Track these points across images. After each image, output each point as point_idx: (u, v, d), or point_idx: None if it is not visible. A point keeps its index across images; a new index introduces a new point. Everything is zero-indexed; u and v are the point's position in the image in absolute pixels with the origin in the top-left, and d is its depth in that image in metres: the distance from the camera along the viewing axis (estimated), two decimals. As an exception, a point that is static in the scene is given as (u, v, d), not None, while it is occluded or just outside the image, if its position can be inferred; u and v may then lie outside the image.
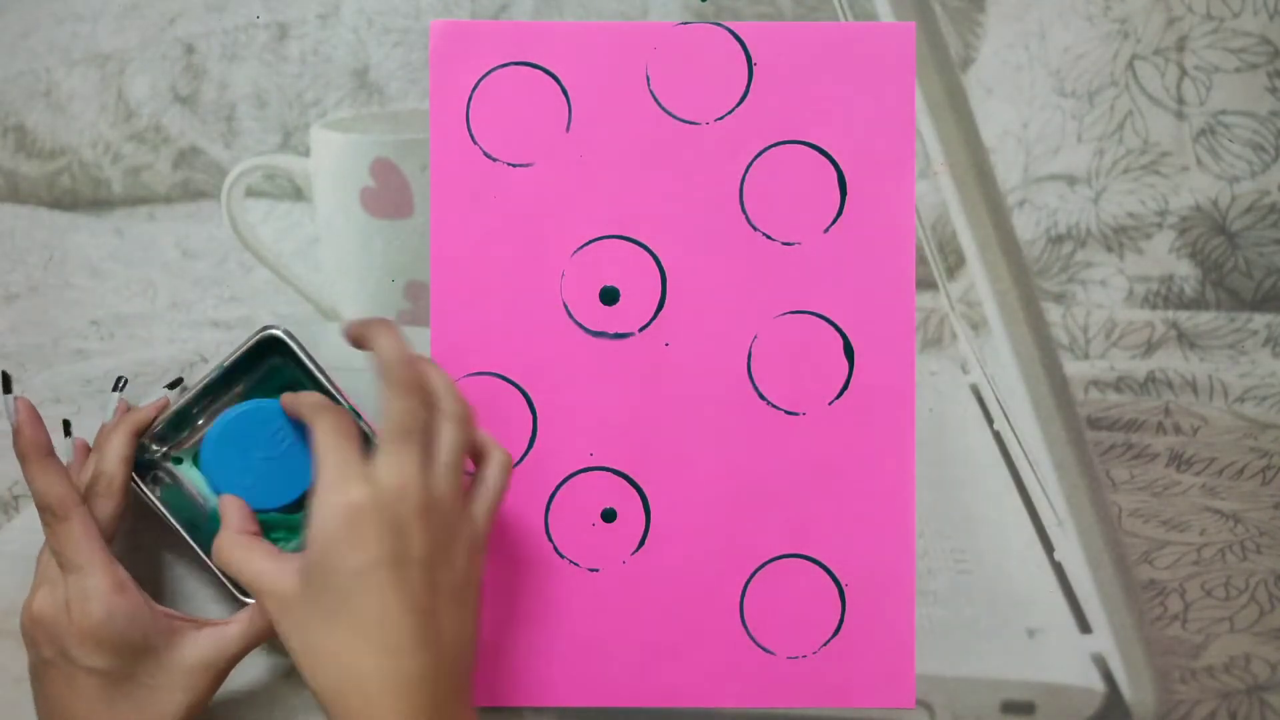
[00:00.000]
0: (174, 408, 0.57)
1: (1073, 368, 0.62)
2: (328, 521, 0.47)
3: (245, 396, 0.57)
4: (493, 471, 0.53)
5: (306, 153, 0.62)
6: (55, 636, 0.52)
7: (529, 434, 0.61)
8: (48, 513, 0.52)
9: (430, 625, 0.47)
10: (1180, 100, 0.62)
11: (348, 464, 0.48)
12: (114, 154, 0.63)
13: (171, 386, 0.59)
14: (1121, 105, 0.62)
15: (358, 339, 0.53)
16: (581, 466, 0.61)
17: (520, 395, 0.61)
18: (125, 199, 0.63)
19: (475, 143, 0.61)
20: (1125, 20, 0.62)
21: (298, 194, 0.62)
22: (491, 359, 0.61)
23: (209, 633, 0.54)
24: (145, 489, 0.56)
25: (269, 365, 0.57)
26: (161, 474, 0.58)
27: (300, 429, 0.56)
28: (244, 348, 0.56)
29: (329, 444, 0.49)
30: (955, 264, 0.62)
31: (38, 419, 0.53)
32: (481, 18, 0.62)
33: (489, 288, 0.61)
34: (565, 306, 0.61)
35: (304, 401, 0.53)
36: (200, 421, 0.58)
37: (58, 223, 0.62)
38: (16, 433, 0.53)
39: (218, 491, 0.57)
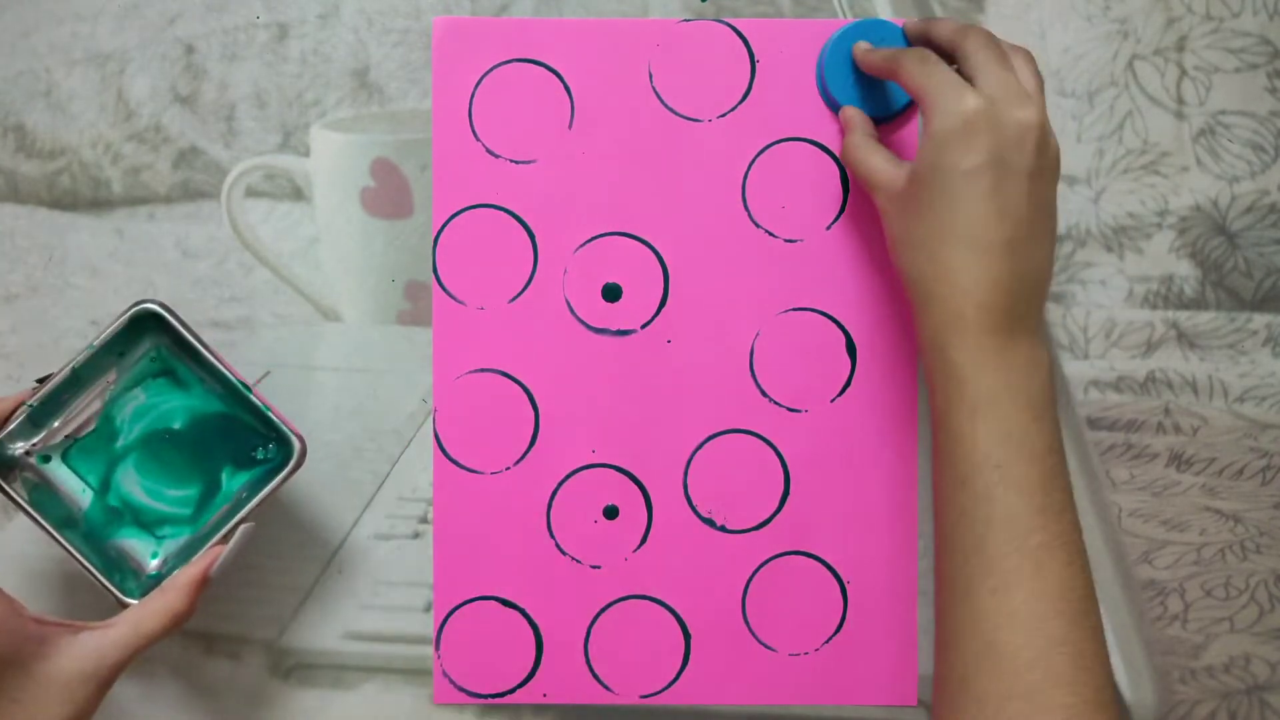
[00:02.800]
0: (33, 399, 0.53)
1: (1073, 368, 0.62)
2: (945, 126, 0.50)
3: (118, 383, 0.55)
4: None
5: (306, 153, 0.62)
6: None
7: (531, 431, 0.61)
8: None
9: (1019, 236, 0.50)
10: (1180, 100, 0.62)
11: (959, 82, 0.50)
12: (114, 154, 0.62)
13: (43, 381, 0.54)
14: (1121, 105, 0.62)
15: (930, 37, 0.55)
16: (583, 463, 0.61)
17: (522, 392, 0.61)
18: (125, 199, 0.63)
19: (478, 139, 0.61)
20: (1125, 20, 0.62)
21: (298, 194, 0.62)
22: (493, 356, 0.61)
23: (87, 638, 0.49)
24: (8, 488, 0.53)
25: (145, 347, 0.55)
26: (28, 473, 0.55)
27: None
28: (115, 327, 0.54)
29: (931, 68, 0.52)
30: (955, 264, 0.62)
31: None
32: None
33: (491, 284, 0.61)
34: (567, 303, 0.61)
35: (880, 52, 0.56)
36: (64, 415, 0.55)
37: (58, 223, 0.62)
38: None
39: (836, 101, 0.59)
